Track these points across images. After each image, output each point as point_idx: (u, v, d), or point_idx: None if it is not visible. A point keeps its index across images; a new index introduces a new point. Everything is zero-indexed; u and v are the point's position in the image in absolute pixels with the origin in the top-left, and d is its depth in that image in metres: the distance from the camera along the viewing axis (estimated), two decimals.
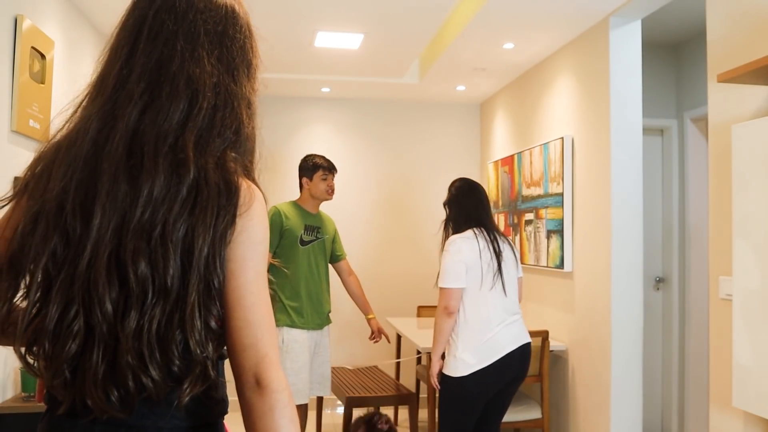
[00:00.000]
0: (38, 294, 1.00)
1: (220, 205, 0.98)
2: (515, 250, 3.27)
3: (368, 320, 4.11)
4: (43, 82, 2.92)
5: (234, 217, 1.00)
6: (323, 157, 3.92)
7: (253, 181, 1.07)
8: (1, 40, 2.59)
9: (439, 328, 3.06)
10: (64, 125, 1.05)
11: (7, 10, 2.64)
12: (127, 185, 0.97)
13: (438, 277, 3.12)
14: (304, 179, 3.88)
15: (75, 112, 1.05)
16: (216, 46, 1.04)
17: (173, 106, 0.99)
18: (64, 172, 0.99)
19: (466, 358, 3.02)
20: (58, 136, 1.04)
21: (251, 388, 0.99)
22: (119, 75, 1.00)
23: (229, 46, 1.06)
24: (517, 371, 3.10)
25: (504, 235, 3.24)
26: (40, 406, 2.60)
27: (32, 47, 2.80)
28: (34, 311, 0.99)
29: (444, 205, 3.35)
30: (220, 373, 1.08)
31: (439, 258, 3.18)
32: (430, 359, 3.21)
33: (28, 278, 1.00)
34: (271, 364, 1.00)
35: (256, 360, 1.00)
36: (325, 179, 3.86)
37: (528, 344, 3.15)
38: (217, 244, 0.98)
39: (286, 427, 0.98)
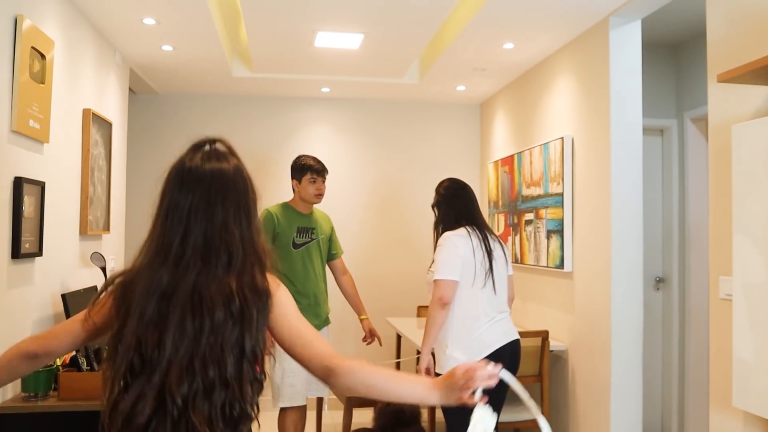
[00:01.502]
0: (121, 385, 1.43)
1: (258, 309, 1.45)
2: (505, 248, 3.27)
3: (361, 321, 4.04)
4: (43, 82, 2.92)
5: (268, 311, 1.48)
6: (314, 159, 3.86)
7: (268, 270, 1.53)
8: (1, 40, 2.59)
9: (433, 320, 3.05)
10: (137, 261, 1.47)
11: (7, 10, 2.64)
12: (193, 319, 1.39)
13: (429, 268, 3.14)
14: (294, 181, 3.84)
15: (144, 256, 1.47)
16: (241, 211, 1.49)
17: (219, 266, 1.44)
18: (140, 314, 1.40)
19: (457, 355, 3.02)
20: (132, 275, 1.46)
21: (329, 375, 1.48)
22: (179, 250, 1.44)
23: (246, 204, 1.51)
24: (507, 367, 3.10)
25: (494, 234, 3.25)
26: (40, 406, 2.61)
27: (32, 47, 2.80)
28: (116, 395, 1.43)
29: (432, 207, 3.34)
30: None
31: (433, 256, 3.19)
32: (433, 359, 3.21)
33: (114, 373, 1.43)
34: (332, 356, 1.49)
35: (321, 360, 1.49)
36: (313, 182, 3.79)
37: (517, 341, 3.17)
38: (260, 335, 1.47)
39: (373, 369, 1.47)
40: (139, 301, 1.41)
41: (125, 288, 1.45)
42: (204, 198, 1.45)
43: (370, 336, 4.03)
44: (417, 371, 3.22)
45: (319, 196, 3.82)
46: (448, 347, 3.05)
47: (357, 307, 4.05)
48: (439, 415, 3.76)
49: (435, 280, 3.05)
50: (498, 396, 3.19)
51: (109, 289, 1.50)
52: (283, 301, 1.52)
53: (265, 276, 1.49)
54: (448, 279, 3.04)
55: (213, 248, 1.44)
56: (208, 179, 1.47)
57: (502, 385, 3.22)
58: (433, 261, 3.19)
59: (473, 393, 1.44)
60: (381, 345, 4.17)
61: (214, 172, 1.48)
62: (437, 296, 3.02)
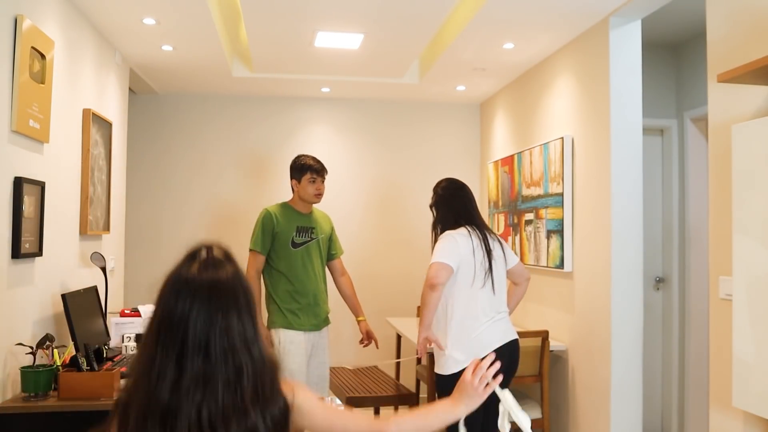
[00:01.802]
0: None
1: (280, 424, 1.38)
2: (504, 244, 3.26)
3: (358, 323, 4.01)
4: (43, 82, 2.92)
5: (288, 417, 1.41)
6: (313, 158, 3.84)
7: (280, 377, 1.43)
8: (1, 40, 2.59)
9: (425, 301, 3.04)
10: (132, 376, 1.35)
11: (7, 10, 2.64)
12: None
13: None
14: (293, 181, 3.82)
15: (150, 366, 1.32)
16: (244, 320, 1.37)
17: (228, 384, 1.32)
18: None
19: (456, 356, 3.02)
20: (129, 392, 1.34)
21: None
22: (178, 365, 1.31)
23: (249, 312, 1.39)
24: (506, 366, 3.11)
25: (494, 233, 3.24)
26: (40, 406, 2.61)
27: (32, 47, 2.80)
28: None
29: (431, 207, 3.32)
30: None
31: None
32: (431, 360, 3.21)
33: None
34: (374, 426, 1.59)
35: None
36: (313, 182, 3.77)
37: (516, 340, 3.17)
38: None
39: (411, 416, 1.68)
40: (136, 425, 1.28)
41: (125, 408, 1.32)
42: (204, 309, 1.33)
43: (368, 338, 4.00)
44: (417, 352, 3.18)
45: (319, 195, 3.82)
46: (448, 347, 3.05)
47: (354, 308, 4.04)
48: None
49: (430, 264, 3.03)
50: (497, 398, 3.19)
51: (111, 412, 1.36)
52: (303, 407, 1.45)
53: (279, 387, 1.39)
54: (442, 262, 3.02)
55: (218, 364, 1.31)
56: (206, 289, 1.35)
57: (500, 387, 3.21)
58: None
59: (487, 385, 1.64)
60: (378, 348, 4.13)
61: (212, 281, 1.36)
62: (428, 277, 3.00)
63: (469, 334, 3.04)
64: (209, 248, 1.40)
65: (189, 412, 1.28)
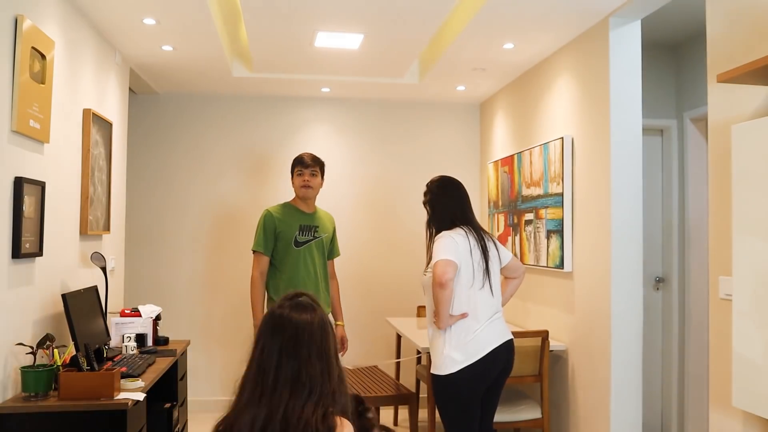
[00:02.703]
0: None
1: None
2: (497, 243, 3.24)
3: (335, 326, 4.00)
4: (43, 82, 2.92)
5: None
6: (306, 153, 3.92)
7: (345, 413, 1.67)
8: (1, 40, 2.59)
9: (438, 300, 2.98)
10: (239, 401, 1.68)
11: (7, 10, 2.64)
12: None
13: (425, 270, 3.13)
14: (291, 177, 3.91)
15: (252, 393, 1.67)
16: (323, 354, 1.69)
17: (303, 398, 1.63)
18: None
19: (454, 356, 3.01)
20: (234, 415, 1.65)
21: None
22: (273, 384, 1.65)
23: (327, 349, 1.71)
24: (503, 365, 3.12)
25: (488, 233, 3.23)
26: (40, 406, 2.61)
27: (32, 47, 2.80)
28: None
29: (425, 204, 3.26)
30: None
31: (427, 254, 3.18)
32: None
33: None
34: None
35: None
36: (300, 174, 3.83)
37: (511, 340, 3.18)
38: None
39: None
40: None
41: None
42: (292, 341, 1.70)
43: (341, 343, 3.98)
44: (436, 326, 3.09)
45: (305, 188, 3.82)
46: (446, 348, 3.03)
47: (335, 312, 4.04)
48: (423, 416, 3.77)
49: (435, 263, 2.99)
50: (494, 398, 3.19)
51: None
52: None
53: (333, 415, 1.64)
54: (447, 258, 2.98)
55: (300, 382, 1.66)
56: (294, 326, 1.72)
57: (496, 386, 3.21)
58: (428, 264, 3.14)
59: None
60: (343, 355, 3.99)
61: (300, 321, 1.73)
62: (436, 275, 2.95)
63: (467, 336, 3.03)
64: (300, 295, 1.80)
65: (278, 417, 1.62)
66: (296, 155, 3.95)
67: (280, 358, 1.68)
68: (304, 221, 3.81)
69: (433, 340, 3.12)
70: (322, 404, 1.63)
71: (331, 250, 4.00)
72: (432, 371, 3.10)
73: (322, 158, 3.98)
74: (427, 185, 3.29)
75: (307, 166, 3.83)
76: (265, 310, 3.77)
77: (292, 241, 3.75)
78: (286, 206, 3.86)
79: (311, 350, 1.70)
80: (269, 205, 3.99)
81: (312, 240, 3.81)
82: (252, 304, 3.75)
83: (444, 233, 3.10)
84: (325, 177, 4.00)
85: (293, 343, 1.69)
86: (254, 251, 3.78)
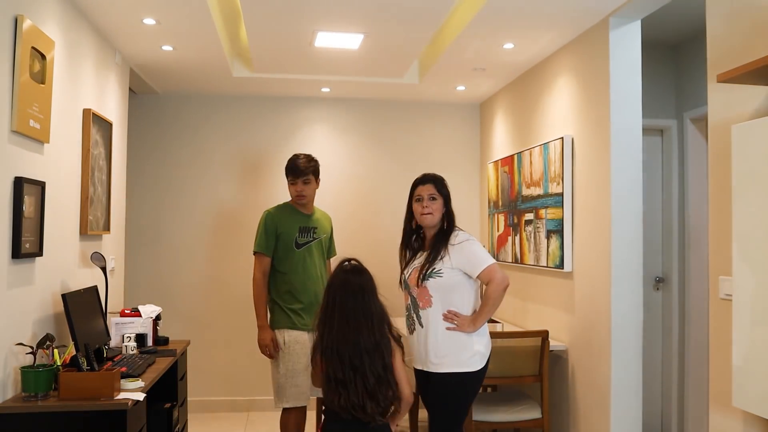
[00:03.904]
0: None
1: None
2: None
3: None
4: (43, 82, 2.92)
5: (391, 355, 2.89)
6: (304, 158, 3.79)
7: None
8: (1, 40, 2.59)
9: (498, 302, 3.04)
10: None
11: (7, 10, 2.64)
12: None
13: (431, 271, 3.07)
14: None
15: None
16: (373, 299, 2.80)
17: (369, 326, 2.74)
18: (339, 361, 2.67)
19: (482, 350, 3.05)
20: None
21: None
22: (353, 315, 2.73)
23: (376, 296, 2.78)
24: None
25: None
26: (40, 406, 2.61)
27: (32, 47, 2.80)
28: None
29: (444, 196, 3.20)
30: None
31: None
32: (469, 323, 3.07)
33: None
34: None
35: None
36: (293, 184, 3.76)
37: None
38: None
39: None
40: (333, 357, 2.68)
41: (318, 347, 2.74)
42: (360, 292, 2.73)
43: None
44: (456, 319, 3.06)
45: (300, 197, 3.79)
46: (475, 343, 3.03)
47: None
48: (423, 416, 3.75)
49: (490, 267, 3.01)
50: (464, 400, 3.12)
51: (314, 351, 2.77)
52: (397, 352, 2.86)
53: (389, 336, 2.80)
54: (495, 261, 3.08)
55: (365, 315, 2.71)
56: (355, 282, 2.76)
57: (466, 389, 3.11)
58: (434, 266, 3.08)
59: None
60: None
61: (357, 280, 2.77)
62: (502, 279, 3.00)
63: (485, 328, 3.10)
64: (350, 260, 2.86)
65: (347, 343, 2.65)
66: (290, 157, 3.89)
67: (353, 301, 2.68)
68: (303, 223, 3.81)
69: (453, 338, 3.04)
70: (379, 329, 2.73)
71: (329, 249, 4.00)
72: (458, 369, 3.02)
73: (322, 159, 3.96)
74: (442, 180, 3.25)
75: (299, 176, 3.74)
76: (268, 312, 3.78)
77: (293, 243, 3.74)
78: (286, 207, 3.86)
79: (367, 296, 2.71)
80: (269, 205, 3.99)
81: (312, 241, 3.81)
82: (255, 306, 3.74)
83: (468, 235, 3.11)
84: (324, 177, 3.98)
85: (362, 293, 2.71)
86: (256, 252, 3.77)
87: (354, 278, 2.74)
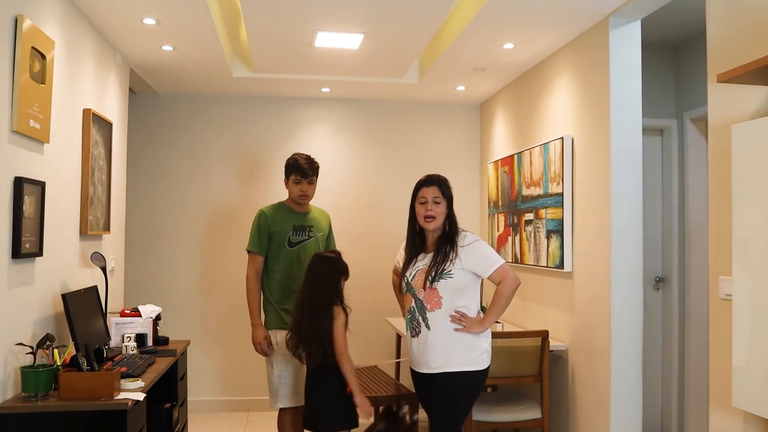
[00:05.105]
0: None
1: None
2: None
3: None
4: (43, 82, 2.92)
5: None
6: (306, 159, 3.78)
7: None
8: (1, 40, 2.59)
9: (510, 300, 3.08)
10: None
11: (7, 10, 2.64)
12: None
13: (439, 273, 3.05)
14: (285, 178, 3.82)
15: None
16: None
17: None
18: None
19: (488, 347, 3.07)
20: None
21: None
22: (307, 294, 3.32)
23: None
24: None
25: None
26: (40, 406, 2.61)
27: (32, 47, 2.80)
28: None
29: (448, 197, 3.18)
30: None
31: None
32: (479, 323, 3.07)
33: None
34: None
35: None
36: (297, 183, 3.74)
37: None
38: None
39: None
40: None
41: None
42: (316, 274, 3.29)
43: None
44: (465, 320, 3.04)
45: (303, 197, 3.78)
46: (483, 342, 3.04)
47: None
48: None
49: (502, 266, 3.03)
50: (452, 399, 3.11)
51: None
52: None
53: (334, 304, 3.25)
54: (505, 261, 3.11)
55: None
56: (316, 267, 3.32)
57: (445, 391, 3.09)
58: (443, 267, 3.04)
59: None
60: None
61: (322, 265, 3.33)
62: (515, 278, 3.05)
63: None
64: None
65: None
66: (291, 155, 3.85)
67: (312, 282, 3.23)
68: (298, 221, 3.79)
69: (462, 339, 3.02)
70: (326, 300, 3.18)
71: (327, 247, 3.99)
72: (466, 369, 3.00)
73: (321, 159, 3.96)
74: (445, 182, 3.21)
75: (306, 176, 3.75)
76: (262, 310, 3.77)
77: (286, 242, 3.73)
78: (280, 207, 3.85)
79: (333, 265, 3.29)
80: (264, 206, 3.98)
81: (306, 240, 3.79)
82: (249, 304, 3.73)
83: (475, 235, 3.12)
84: (324, 177, 3.98)
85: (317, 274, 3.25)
86: (249, 251, 3.77)
87: (329, 254, 3.38)
